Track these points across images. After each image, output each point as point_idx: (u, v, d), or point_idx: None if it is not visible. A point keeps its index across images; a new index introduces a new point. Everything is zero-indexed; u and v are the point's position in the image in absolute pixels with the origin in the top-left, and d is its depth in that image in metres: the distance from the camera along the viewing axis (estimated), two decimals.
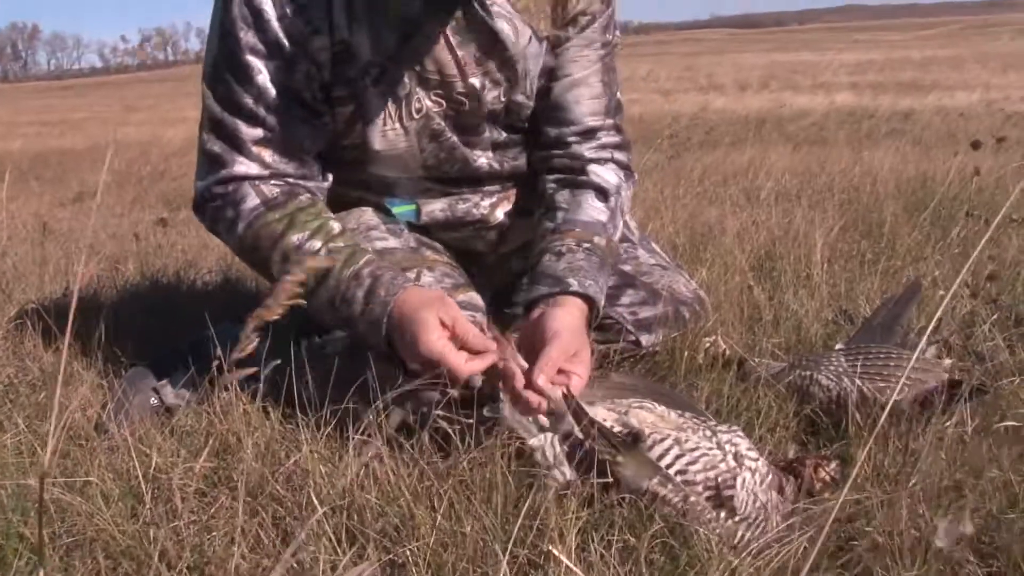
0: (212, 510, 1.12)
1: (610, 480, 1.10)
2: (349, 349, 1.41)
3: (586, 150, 1.53)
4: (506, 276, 1.66)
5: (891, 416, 1.28)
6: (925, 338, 1.57)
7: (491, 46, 1.43)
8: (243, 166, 1.38)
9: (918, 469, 1.16)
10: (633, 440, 1.14)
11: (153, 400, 1.53)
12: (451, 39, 1.40)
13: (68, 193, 6.29)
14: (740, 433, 1.19)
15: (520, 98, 1.50)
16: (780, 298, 1.93)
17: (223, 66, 1.38)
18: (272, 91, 1.37)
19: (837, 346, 1.55)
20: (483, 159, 1.53)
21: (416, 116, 1.45)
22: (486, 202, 1.58)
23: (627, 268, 1.63)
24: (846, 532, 1.10)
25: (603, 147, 1.55)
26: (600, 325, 1.56)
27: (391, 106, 1.43)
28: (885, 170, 3.91)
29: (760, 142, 6.42)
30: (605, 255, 1.45)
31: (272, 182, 1.40)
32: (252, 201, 1.38)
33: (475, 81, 1.44)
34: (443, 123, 1.47)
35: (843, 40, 48.25)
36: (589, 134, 1.54)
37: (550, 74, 1.51)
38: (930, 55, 25.56)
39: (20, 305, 2.23)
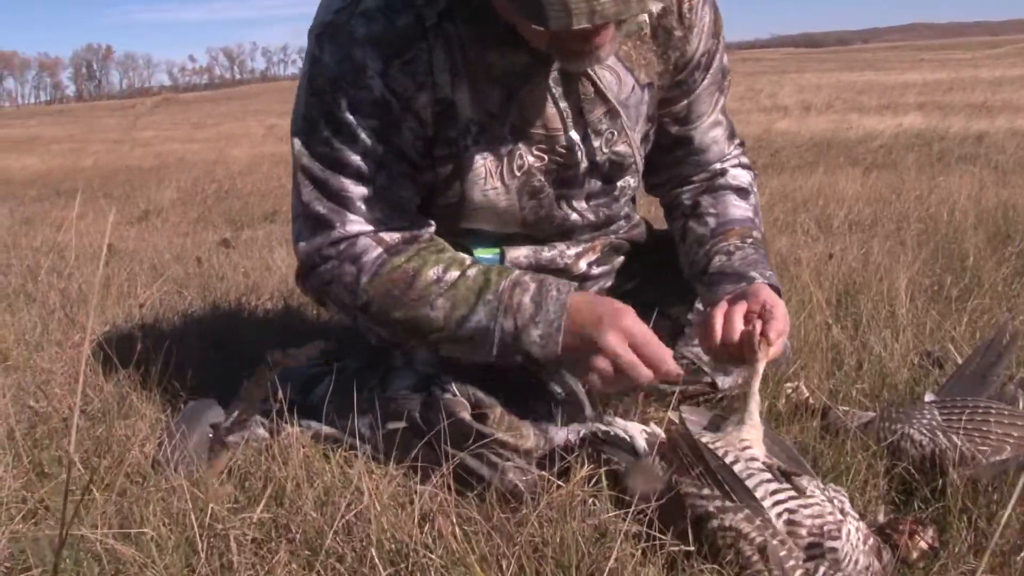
0: (268, 565, 1.07)
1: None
2: (415, 393, 1.36)
3: (719, 164, 1.57)
4: None
5: (994, 479, 1.18)
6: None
7: (593, 97, 1.37)
8: (356, 224, 1.30)
9: None
10: (784, 476, 1.13)
11: (211, 437, 1.49)
12: (553, 91, 1.35)
13: (135, 211, 6.40)
14: (844, 492, 1.12)
15: (621, 148, 1.44)
16: (863, 339, 1.83)
17: (321, 124, 1.29)
18: (379, 148, 1.29)
19: (928, 397, 1.45)
20: (576, 213, 1.48)
21: (518, 173, 1.38)
22: (572, 251, 1.52)
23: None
24: None
25: (733, 157, 1.58)
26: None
27: (492, 164, 1.36)
28: (963, 198, 3.76)
29: (827, 166, 6.26)
30: (766, 246, 1.49)
31: (387, 232, 1.32)
32: (374, 251, 1.30)
33: (578, 133, 1.38)
34: (543, 179, 1.40)
35: (908, 59, 47.31)
36: (726, 156, 1.58)
37: (681, 119, 1.50)
38: (1000, 75, 24.87)
39: (83, 330, 2.24)
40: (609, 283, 1.59)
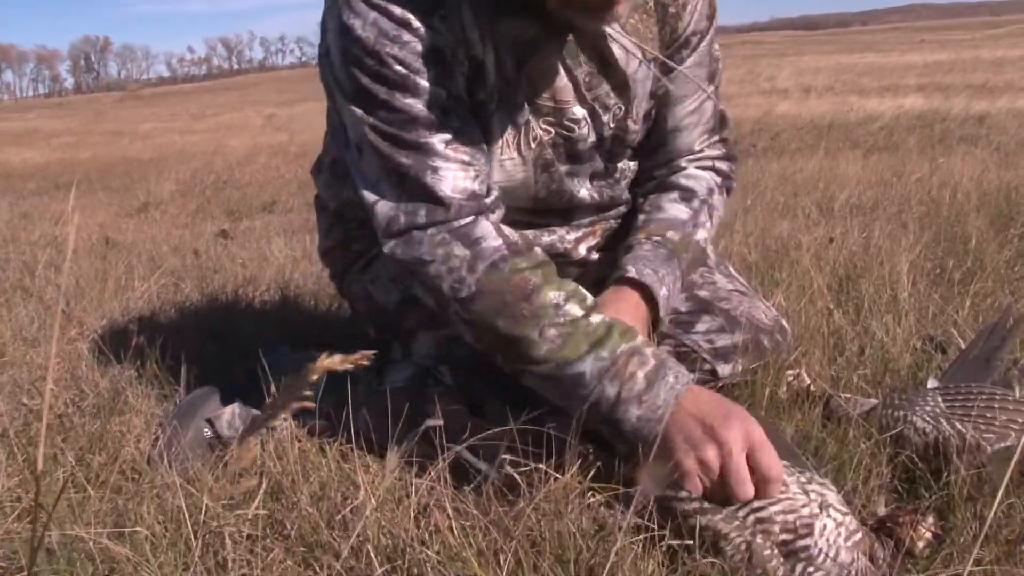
0: (264, 562, 1.06)
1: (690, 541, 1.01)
2: (411, 386, 1.35)
3: (685, 161, 1.52)
4: None
5: (999, 467, 1.17)
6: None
7: (603, 70, 1.34)
8: (449, 173, 1.22)
9: None
10: None
11: (207, 431, 1.48)
12: (564, 63, 1.32)
13: (134, 203, 6.38)
14: (831, 486, 1.09)
15: (628, 123, 1.41)
16: (864, 324, 1.81)
17: (375, 88, 1.22)
18: (442, 93, 1.23)
19: (930, 383, 1.43)
20: (584, 190, 1.45)
21: (532, 145, 1.35)
22: (571, 236, 1.49)
23: (704, 294, 1.54)
24: None
25: (705, 158, 1.53)
26: (675, 354, 1.48)
27: (510, 134, 1.33)
28: (965, 180, 3.73)
29: (828, 148, 6.23)
30: (677, 248, 1.41)
31: (503, 224, 1.25)
32: (494, 240, 1.21)
33: (586, 107, 1.36)
34: (552, 153, 1.38)
35: (908, 40, 47.09)
36: (696, 153, 1.52)
37: (661, 99, 1.45)
38: (1001, 55, 24.72)
39: (80, 324, 2.22)
40: (607, 269, 1.57)
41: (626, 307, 1.32)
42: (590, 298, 1.22)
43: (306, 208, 5.29)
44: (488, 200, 1.25)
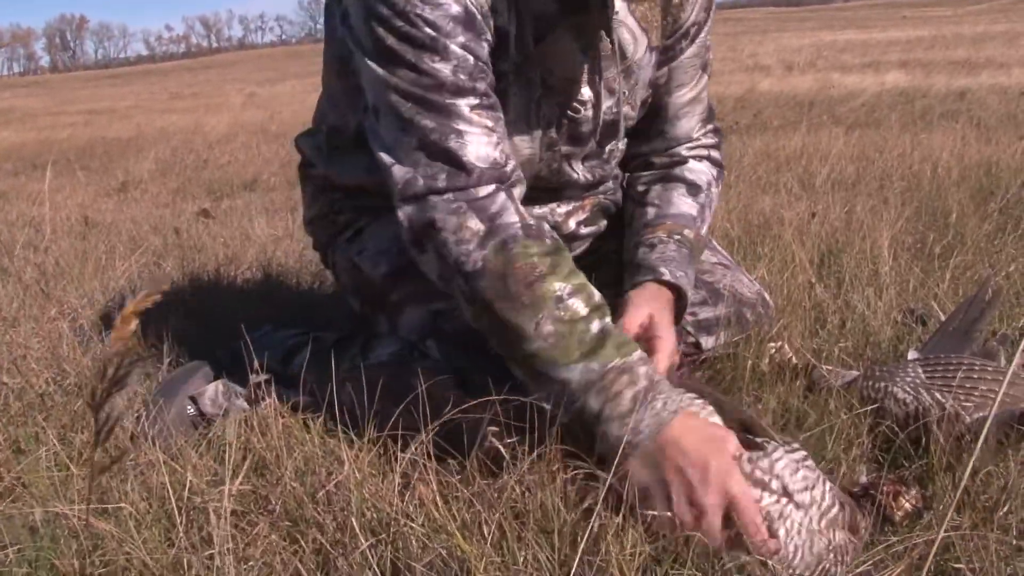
0: (248, 537, 1.06)
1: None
2: (397, 361, 1.34)
3: (684, 150, 1.54)
4: None
5: (976, 436, 1.18)
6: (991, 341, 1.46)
7: (610, 55, 1.35)
8: (473, 138, 1.18)
9: (1010, 498, 1.07)
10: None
11: (190, 409, 1.48)
12: (577, 44, 1.32)
13: (113, 183, 6.32)
14: (794, 458, 1.07)
15: (627, 108, 1.43)
16: (845, 298, 1.82)
17: (402, 49, 1.18)
18: (470, 58, 1.20)
19: (911, 355, 1.45)
20: (577, 171, 1.46)
21: (541, 122, 1.35)
22: (562, 209, 1.50)
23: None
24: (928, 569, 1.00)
25: (701, 147, 1.55)
26: None
27: (522, 108, 1.33)
28: (946, 155, 3.75)
29: (810, 125, 6.24)
30: (694, 247, 1.44)
31: (521, 201, 1.22)
32: (510, 217, 1.17)
33: (594, 89, 1.36)
34: (556, 134, 1.38)
35: (890, 17, 47.18)
36: (692, 140, 1.55)
37: (660, 87, 1.47)
38: (982, 31, 24.81)
39: (59, 304, 2.21)
40: (589, 244, 1.58)
41: (661, 305, 1.34)
42: (597, 296, 1.17)
43: (288, 187, 5.26)
44: (508, 169, 1.23)
